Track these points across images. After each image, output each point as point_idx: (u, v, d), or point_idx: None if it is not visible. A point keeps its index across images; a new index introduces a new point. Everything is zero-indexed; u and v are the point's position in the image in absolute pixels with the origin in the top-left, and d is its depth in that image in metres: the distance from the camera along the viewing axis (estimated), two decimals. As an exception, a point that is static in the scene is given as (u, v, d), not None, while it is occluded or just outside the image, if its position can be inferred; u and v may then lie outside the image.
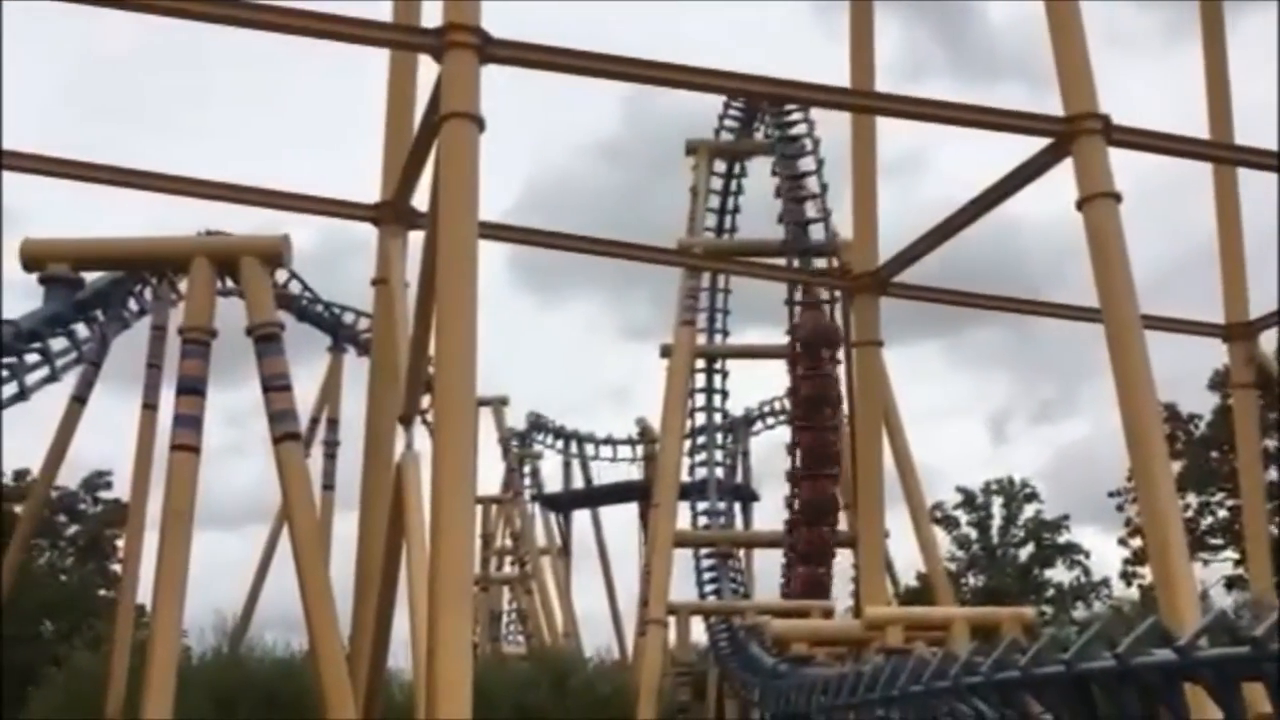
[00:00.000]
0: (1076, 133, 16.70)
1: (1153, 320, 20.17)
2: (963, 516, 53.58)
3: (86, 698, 27.79)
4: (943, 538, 48.65)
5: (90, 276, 24.40)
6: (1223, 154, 22.16)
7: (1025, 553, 52.89)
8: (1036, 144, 17.78)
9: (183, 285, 25.70)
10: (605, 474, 54.30)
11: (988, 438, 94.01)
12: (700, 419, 35.47)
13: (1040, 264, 71.56)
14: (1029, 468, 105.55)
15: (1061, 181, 17.24)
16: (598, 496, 54.32)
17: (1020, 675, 9.96)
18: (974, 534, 53.41)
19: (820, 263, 31.20)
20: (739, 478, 44.41)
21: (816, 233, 31.25)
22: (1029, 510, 53.25)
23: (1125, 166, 16.89)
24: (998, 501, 53.56)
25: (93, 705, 27.04)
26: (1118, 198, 16.50)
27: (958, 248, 22.30)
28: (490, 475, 51.49)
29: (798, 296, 31.76)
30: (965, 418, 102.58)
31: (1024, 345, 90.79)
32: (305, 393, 35.83)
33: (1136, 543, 43.31)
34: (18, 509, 36.97)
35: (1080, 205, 16.61)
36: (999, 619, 19.70)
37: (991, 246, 43.91)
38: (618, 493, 52.76)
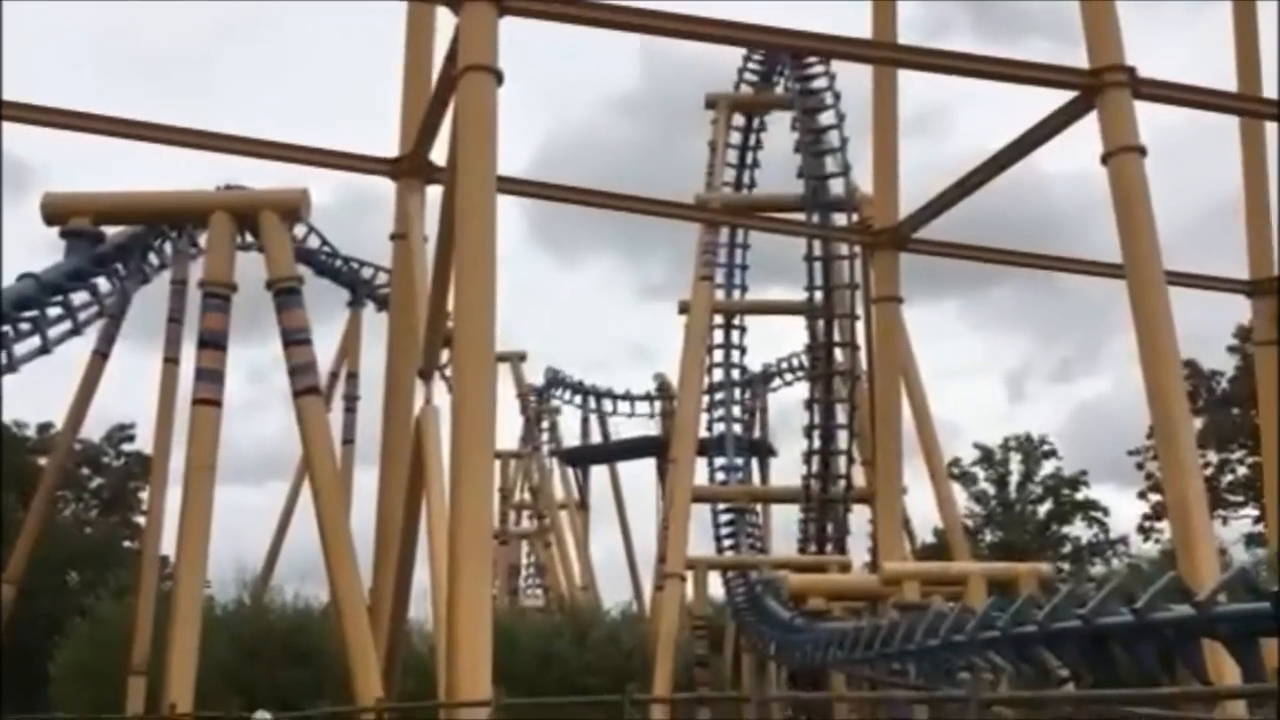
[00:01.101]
0: (1102, 85, 16.49)
1: (1176, 276, 20.01)
2: (980, 473, 53.53)
3: (112, 647, 28.20)
4: (960, 494, 48.67)
5: (111, 231, 24.45)
6: (1251, 107, 21.83)
7: (1043, 509, 52.84)
8: (1061, 100, 17.58)
9: (202, 240, 25.77)
10: (623, 429, 54.53)
11: (1006, 395, 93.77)
12: (718, 375, 35.45)
13: (1062, 222, 70.96)
14: (1047, 426, 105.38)
15: (1085, 139, 17.08)
16: (616, 452, 54.48)
17: (1037, 630, 10.00)
18: (992, 490, 53.39)
19: (840, 218, 30.98)
20: (756, 433, 44.48)
21: (836, 188, 30.97)
22: (1047, 467, 53.13)
23: (1148, 122, 16.69)
24: (1016, 458, 53.45)
25: (118, 655, 27.45)
26: (1143, 151, 16.32)
27: (979, 206, 22.13)
28: (509, 430, 51.79)
29: (816, 252, 31.57)
30: (983, 375, 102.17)
31: (1044, 303, 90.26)
32: (325, 348, 36.01)
33: (1156, 498, 43.21)
34: (42, 461, 37.37)
35: (1105, 159, 16.43)
36: (1016, 574, 19.76)
37: (1014, 204, 43.60)
38: (636, 448, 52.90)
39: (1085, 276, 25.71)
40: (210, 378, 22.53)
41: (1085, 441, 77.54)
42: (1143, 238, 16.04)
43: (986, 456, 54.01)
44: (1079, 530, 52.74)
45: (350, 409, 39.44)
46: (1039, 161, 45.93)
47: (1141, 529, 47.04)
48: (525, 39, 15.66)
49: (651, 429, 52.66)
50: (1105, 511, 52.46)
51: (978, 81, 18.32)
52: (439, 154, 19.35)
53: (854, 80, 27.42)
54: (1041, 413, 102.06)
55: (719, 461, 35.41)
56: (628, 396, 54.37)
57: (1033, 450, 53.89)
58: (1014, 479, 53.77)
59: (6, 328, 19.71)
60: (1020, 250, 25.54)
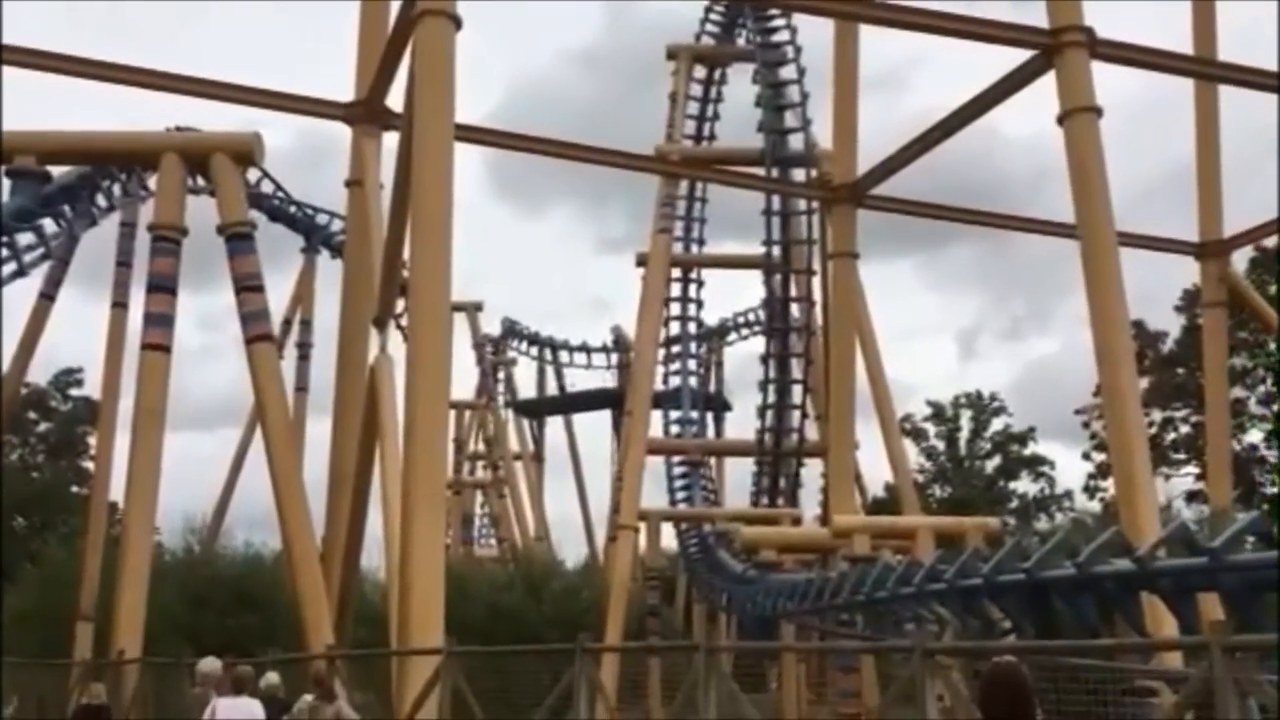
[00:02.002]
0: (1060, 45, 16.56)
1: (1127, 237, 20.29)
2: (931, 429, 54.24)
3: (60, 593, 27.97)
4: (911, 450, 49.27)
5: (58, 171, 23.95)
6: (1205, 70, 22.04)
7: (991, 465, 53.68)
8: (1020, 60, 17.64)
9: (152, 182, 25.30)
10: (579, 381, 54.53)
11: (958, 353, 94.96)
12: (675, 328, 35.47)
13: (1016, 185, 71.54)
14: (997, 383, 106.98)
15: (1044, 102, 17.17)
16: (571, 403, 54.52)
17: (982, 582, 10.20)
18: (942, 446, 54.13)
19: (799, 174, 30.97)
20: (712, 387, 44.64)
21: (796, 143, 30.92)
22: (997, 424, 53.91)
23: (1104, 87, 16.81)
24: (966, 415, 54.18)
25: (66, 600, 27.24)
26: (1099, 112, 16.44)
27: (937, 166, 22.26)
28: (464, 380, 51.62)
29: (775, 207, 31.55)
30: (936, 334, 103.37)
31: (997, 263, 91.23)
32: (278, 295, 35.61)
33: (1101, 457, 43.98)
34: (-13, 405, 36.76)
35: (1061, 120, 16.55)
36: (963, 528, 20.12)
37: (969, 167, 43.85)
38: (591, 400, 52.96)
39: (1038, 237, 26.00)
40: (159, 322, 22.23)
41: (1034, 399, 78.96)
42: (1096, 198, 16.20)
43: (938, 413, 54.67)
44: (1026, 486, 53.68)
45: (304, 356, 39.13)
46: (995, 124, 46.20)
47: (1086, 489, 47.93)
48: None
49: (608, 381, 52.72)
50: (1051, 466, 53.39)
51: (938, 40, 18.35)
52: (396, 100, 19.09)
53: (815, 35, 27.34)
54: (992, 371, 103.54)
55: (674, 414, 35.52)
56: (584, 348, 54.34)
57: (983, 407, 54.60)
58: (964, 435, 54.49)
59: (-51, 268, 19.30)
60: (975, 209, 25.73)
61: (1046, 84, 16.97)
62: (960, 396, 54.91)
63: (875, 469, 46.81)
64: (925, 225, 25.94)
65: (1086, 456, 47.14)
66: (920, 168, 21.67)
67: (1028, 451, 53.68)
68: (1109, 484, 39.71)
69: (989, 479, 53.56)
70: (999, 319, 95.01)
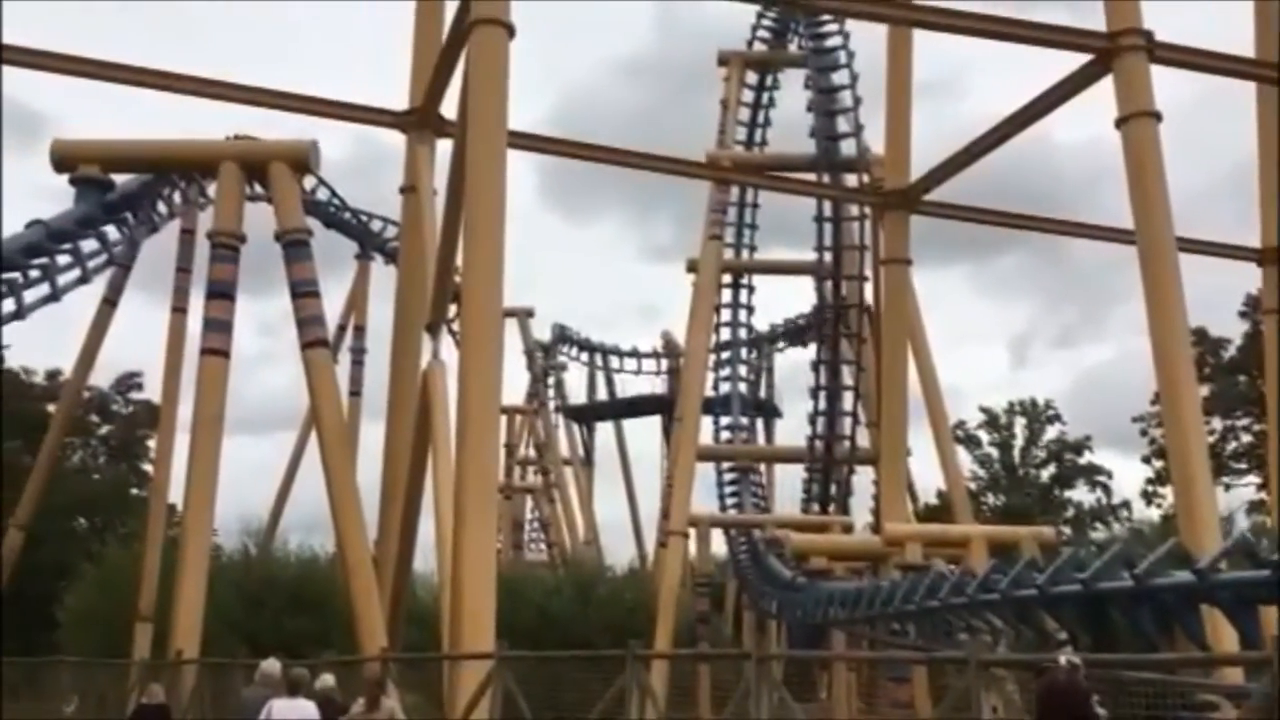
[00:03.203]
0: (1119, 49, 16.34)
1: (1187, 243, 19.91)
2: (985, 436, 53.60)
3: (119, 592, 28.46)
4: (964, 457, 48.70)
5: (120, 179, 24.41)
6: (1267, 73, 21.57)
7: (1046, 473, 52.92)
8: (1076, 64, 17.42)
9: (211, 190, 25.72)
10: (629, 387, 54.60)
11: (1009, 361, 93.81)
12: (725, 334, 35.41)
13: (1067, 190, 70.52)
14: (1051, 391, 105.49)
15: (1097, 108, 16.95)
16: (621, 408, 54.57)
17: (1037, 593, 10.07)
18: (995, 454, 53.46)
19: (851, 179, 30.81)
20: (762, 393, 44.48)
21: (848, 148, 30.79)
22: (1051, 431, 53.17)
23: (1161, 87, 16.55)
24: (1020, 422, 53.48)
25: (125, 600, 27.71)
26: (1158, 117, 16.20)
27: (990, 173, 22.02)
28: (515, 386, 51.88)
29: (826, 213, 31.42)
30: (988, 341, 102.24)
31: (1048, 270, 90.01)
32: (334, 300, 36.07)
33: (1159, 464, 43.20)
34: (50, 408, 37.52)
35: (1119, 124, 16.32)
36: (1018, 537, 19.86)
37: (1023, 174, 43.31)
38: (641, 405, 52.99)
39: (1091, 244, 25.61)
40: (218, 328, 22.61)
41: (1089, 407, 77.84)
42: (1155, 203, 15.96)
43: (991, 420, 54.01)
44: (1082, 495, 52.83)
45: (358, 362, 39.55)
46: (1049, 131, 45.61)
47: (1145, 495, 47.10)
48: (536, 3, 15.53)
49: (658, 387, 52.73)
50: (1109, 476, 52.53)
51: (993, 45, 18.16)
52: (450, 108, 19.25)
53: (868, 41, 27.22)
54: (1045, 378, 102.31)
55: (724, 420, 35.48)
56: (634, 354, 54.42)
57: (1037, 415, 53.86)
58: (1018, 443, 53.80)
59: (16, 274, 19.71)
60: (1029, 214, 25.42)
61: (1102, 87, 16.75)
62: (1014, 404, 54.24)
63: (928, 476, 46.30)
64: (975, 231, 25.75)
65: (1146, 461, 46.33)
66: (971, 173, 21.46)
67: (1084, 460, 52.86)
68: (1167, 491, 39.03)
69: (1044, 488, 52.81)
70: (1051, 326, 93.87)
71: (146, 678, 19.76)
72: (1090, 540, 42.55)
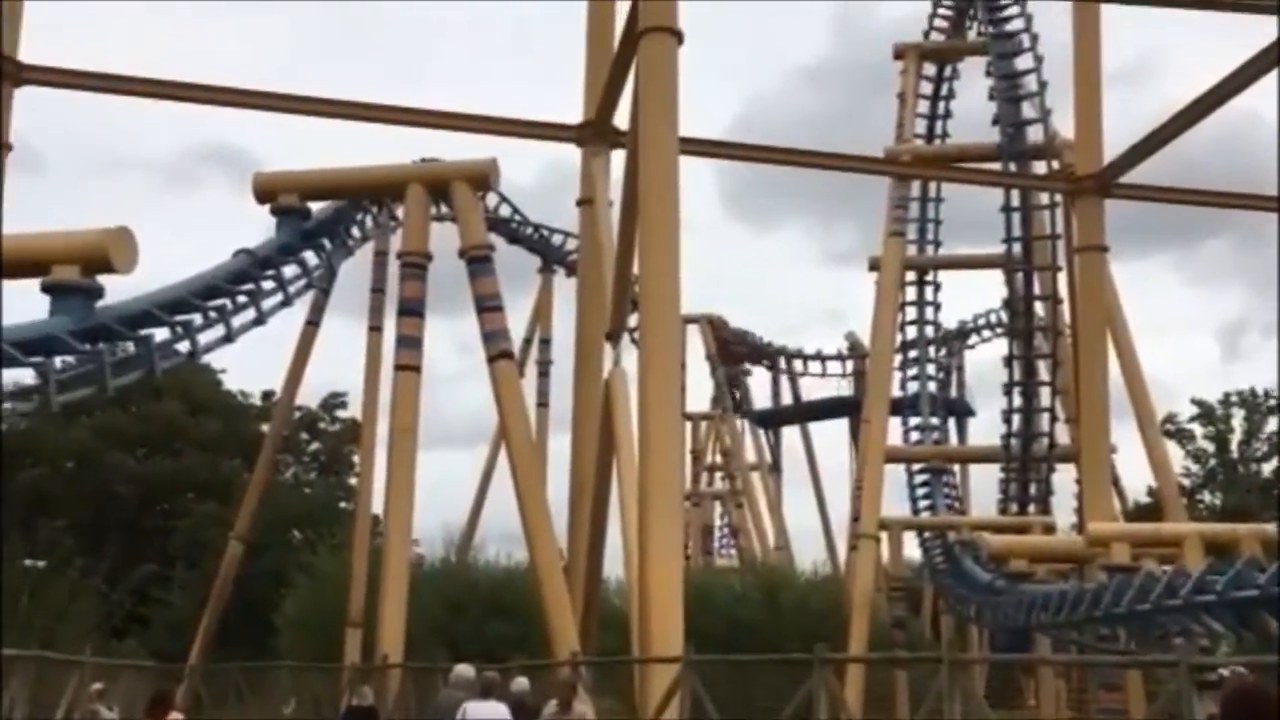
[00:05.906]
0: (1330, 7, 15.17)
1: None
2: (1198, 430, 50.62)
3: (331, 600, 29.90)
4: (1176, 453, 46.14)
5: (316, 206, 25.65)
6: None
7: (1268, 468, 49.54)
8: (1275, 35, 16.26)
9: (400, 212, 26.76)
10: (814, 391, 54.04)
11: (1220, 352, 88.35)
12: (911, 332, 34.61)
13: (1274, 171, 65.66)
14: (1266, 382, 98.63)
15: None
16: (807, 412, 54.07)
17: (1259, 593, 9.42)
18: (1211, 449, 50.41)
19: (1039, 167, 29.64)
20: (953, 392, 43.28)
21: (1035, 134, 29.61)
22: (1272, 424, 49.75)
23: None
24: (1238, 414, 50.25)
25: (336, 607, 29.08)
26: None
27: (1191, 153, 20.77)
28: (700, 392, 52.04)
29: (1014, 203, 30.30)
30: (1195, 331, 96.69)
31: (1259, 254, 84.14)
32: (519, 314, 36.98)
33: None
34: (264, 428, 39.80)
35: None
36: (1237, 536, 18.58)
37: (1230, 153, 40.69)
38: (827, 408, 52.38)
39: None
40: (409, 344, 23.48)
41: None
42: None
43: (1205, 413, 50.94)
44: (1309, 491, 49.21)
45: (544, 373, 40.42)
46: (1255, 106, 42.74)
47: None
48: (710, 13, 15.55)
49: (843, 390, 52.00)
50: (1339, 470, 48.81)
51: (1182, 27, 17.17)
52: (623, 119, 19.47)
53: (1051, 22, 26.12)
54: (1261, 369, 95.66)
55: (913, 421, 34.65)
56: (818, 356, 53.83)
57: (1257, 406, 50.48)
58: (1236, 437, 50.57)
59: (225, 300, 20.94)
60: (1238, 192, 23.88)
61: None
62: (1231, 394, 50.96)
63: (1136, 474, 43.99)
64: (1178, 217, 24.35)
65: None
66: (1168, 155, 20.29)
67: (1311, 454, 49.32)
68: None
69: (1266, 484, 49.46)
70: (1267, 313, 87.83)
71: (356, 681, 20.65)
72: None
